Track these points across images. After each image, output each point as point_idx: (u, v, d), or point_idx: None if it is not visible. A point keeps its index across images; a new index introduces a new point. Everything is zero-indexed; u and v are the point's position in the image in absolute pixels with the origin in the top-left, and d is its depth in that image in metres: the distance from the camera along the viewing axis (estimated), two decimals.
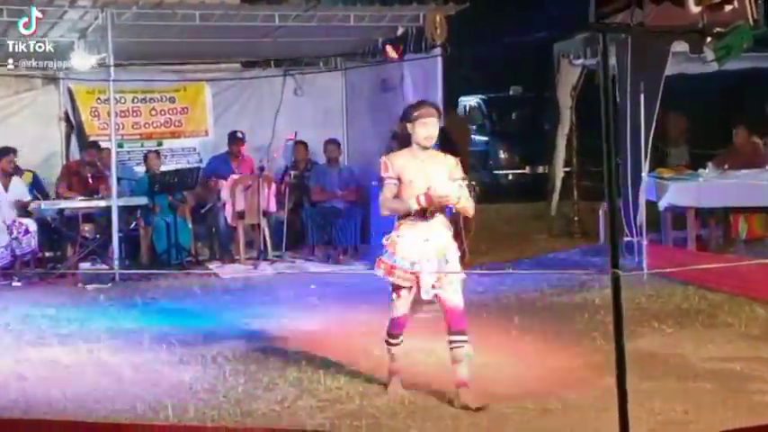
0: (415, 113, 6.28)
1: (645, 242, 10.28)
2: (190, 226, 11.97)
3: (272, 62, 13.87)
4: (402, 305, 6.38)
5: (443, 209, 6.34)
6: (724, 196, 11.08)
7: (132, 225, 11.77)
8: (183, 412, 6.10)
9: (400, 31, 12.41)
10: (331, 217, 11.99)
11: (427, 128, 6.24)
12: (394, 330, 6.47)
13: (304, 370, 6.99)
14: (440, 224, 6.31)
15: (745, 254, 10.69)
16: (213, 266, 11.65)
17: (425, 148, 6.29)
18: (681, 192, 10.87)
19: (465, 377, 6.22)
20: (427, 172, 6.22)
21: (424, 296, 6.28)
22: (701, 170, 11.60)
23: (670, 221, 11.10)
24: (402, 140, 6.38)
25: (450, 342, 6.26)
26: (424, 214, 6.21)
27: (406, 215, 6.25)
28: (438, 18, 11.62)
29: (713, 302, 8.80)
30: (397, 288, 6.33)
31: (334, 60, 13.87)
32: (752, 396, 6.20)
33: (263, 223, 11.83)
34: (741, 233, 11.60)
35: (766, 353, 7.15)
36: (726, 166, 11.67)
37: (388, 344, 6.53)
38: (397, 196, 6.26)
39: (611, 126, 4.32)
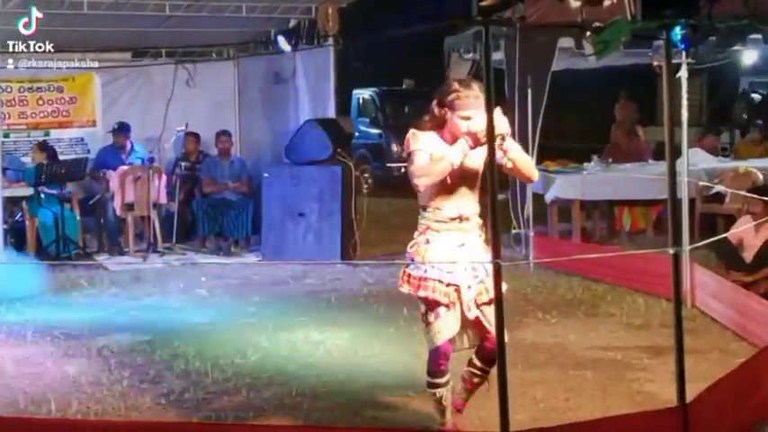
0: (457, 102, 4.93)
1: (531, 234, 10.46)
2: (78, 217, 11.76)
3: (164, 52, 13.71)
4: (444, 327, 4.99)
5: (479, 216, 5.14)
6: (607, 189, 11.38)
7: (18, 216, 11.53)
8: (66, 406, 6.01)
9: (293, 23, 12.42)
10: (222, 208, 11.92)
11: (469, 122, 4.89)
12: (437, 365, 5.07)
13: (192, 362, 6.96)
14: (475, 227, 5.15)
15: (628, 245, 10.97)
16: (101, 258, 11.49)
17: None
18: (566, 185, 11.10)
19: (464, 404, 5.40)
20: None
21: (468, 314, 5.03)
22: (585, 164, 11.87)
23: (556, 214, 11.32)
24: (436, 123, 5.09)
25: (476, 368, 5.22)
26: (459, 219, 5.07)
27: (435, 217, 5.05)
28: (330, 10, 11.62)
29: (596, 293, 9.01)
30: (433, 305, 5.00)
31: (227, 51, 13.79)
32: (631, 384, 6.37)
33: (153, 215, 11.71)
34: (625, 225, 11.91)
35: (645, 342, 7.35)
36: (609, 160, 11.97)
37: (433, 386, 5.13)
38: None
39: (493, 120, 4.40)
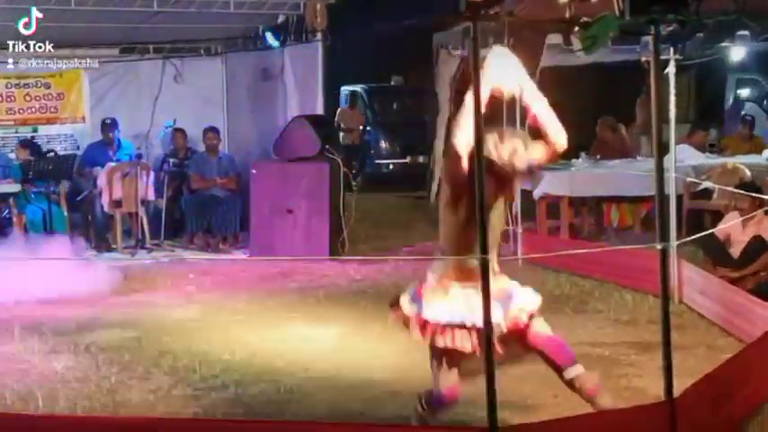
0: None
1: (520, 230, 10.47)
2: (65, 214, 11.75)
3: (152, 48, 13.68)
4: (454, 374, 4.73)
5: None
6: (596, 186, 11.38)
7: (5, 213, 11.50)
8: (53, 402, 6.01)
9: (281, 19, 12.40)
10: (210, 205, 11.91)
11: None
12: (438, 407, 4.85)
13: (180, 359, 6.95)
14: (495, 265, 4.79)
15: (616, 242, 10.98)
16: (89, 255, 11.46)
17: None
18: (554, 181, 11.10)
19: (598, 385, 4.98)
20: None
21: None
22: (573, 160, 11.88)
23: (544, 210, 11.32)
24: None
25: (569, 378, 4.90)
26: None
27: (461, 265, 4.72)
28: (318, 6, 11.62)
29: (584, 289, 9.02)
30: (448, 354, 4.66)
31: (215, 47, 13.77)
32: (618, 380, 6.38)
33: (141, 211, 11.69)
34: (613, 222, 11.92)
35: (633, 338, 7.35)
36: (598, 157, 11.98)
37: (424, 411, 4.91)
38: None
39: (480, 117, 4.40)
